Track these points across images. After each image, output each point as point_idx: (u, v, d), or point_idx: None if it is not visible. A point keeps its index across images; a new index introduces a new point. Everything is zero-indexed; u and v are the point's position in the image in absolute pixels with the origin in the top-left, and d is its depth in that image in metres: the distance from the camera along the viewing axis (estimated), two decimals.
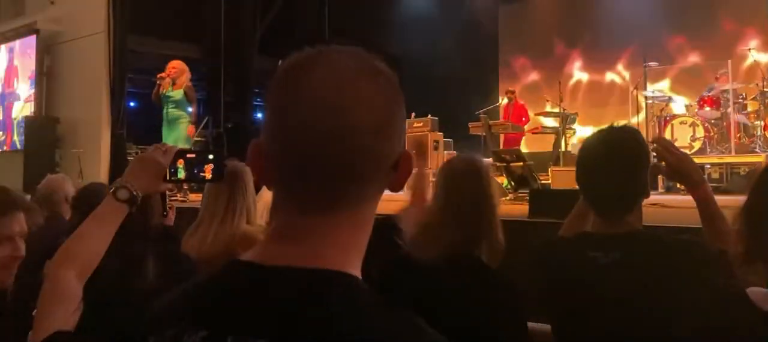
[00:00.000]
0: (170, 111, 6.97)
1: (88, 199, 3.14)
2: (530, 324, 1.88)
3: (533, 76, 12.40)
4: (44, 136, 9.71)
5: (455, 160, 2.08)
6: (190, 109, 6.96)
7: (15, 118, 10.81)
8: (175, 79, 6.95)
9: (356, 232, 0.75)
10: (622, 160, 1.66)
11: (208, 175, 1.45)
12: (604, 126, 1.77)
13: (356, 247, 0.75)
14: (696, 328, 1.44)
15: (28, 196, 5.44)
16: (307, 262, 0.71)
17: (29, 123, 10.14)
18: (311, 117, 0.69)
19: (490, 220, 1.85)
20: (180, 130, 6.90)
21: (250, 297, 0.70)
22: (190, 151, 1.46)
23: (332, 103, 0.69)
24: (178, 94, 6.92)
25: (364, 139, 0.70)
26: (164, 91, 6.95)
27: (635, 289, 1.56)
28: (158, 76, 7.05)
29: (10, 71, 11.11)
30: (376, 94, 0.72)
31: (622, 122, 2.12)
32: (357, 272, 0.74)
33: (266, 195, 2.81)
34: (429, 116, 9.06)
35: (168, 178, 1.42)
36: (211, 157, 1.44)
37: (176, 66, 7.02)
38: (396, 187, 0.76)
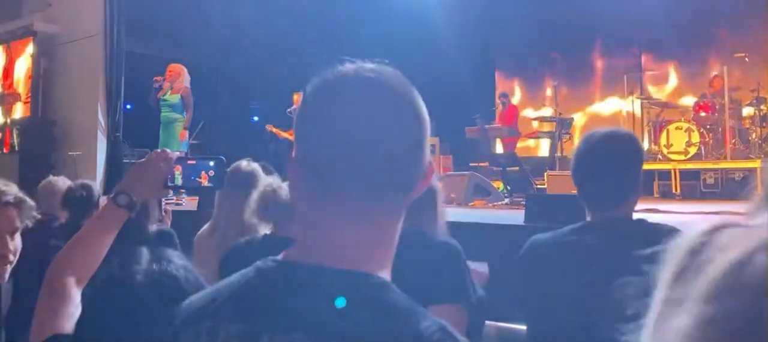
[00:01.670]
0: (166, 114, 6.97)
1: (76, 197, 3.17)
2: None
3: (530, 80, 12.44)
4: (40, 138, 9.68)
5: None
6: (184, 114, 6.95)
7: (13, 120, 10.77)
8: (173, 83, 6.94)
9: (388, 241, 0.78)
10: (613, 160, 1.78)
11: (204, 182, 1.45)
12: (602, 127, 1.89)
13: (387, 254, 0.78)
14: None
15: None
16: (341, 264, 0.73)
17: (25, 125, 10.12)
18: (366, 127, 0.73)
19: (430, 206, 1.96)
20: (175, 134, 6.89)
21: (286, 294, 0.73)
22: (190, 158, 1.47)
23: (384, 114, 0.74)
24: (174, 98, 6.93)
25: (411, 151, 0.75)
26: (162, 95, 6.95)
27: (615, 263, 1.65)
28: (155, 79, 7.05)
29: (9, 72, 11.09)
30: (418, 110, 0.77)
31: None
32: (388, 276, 0.77)
33: None
34: None
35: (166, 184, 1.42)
36: (212, 163, 1.44)
37: (173, 70, 7.02)
38: (417, 191, 0.79)
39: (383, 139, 0.73)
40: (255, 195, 2.30)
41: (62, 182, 3.67)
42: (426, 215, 1.95)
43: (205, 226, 2.76)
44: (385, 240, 0.78)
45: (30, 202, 1.68)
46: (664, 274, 0.49)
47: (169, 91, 6.95)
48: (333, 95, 0.75)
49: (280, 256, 0.77)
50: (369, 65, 0.77)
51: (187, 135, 7.05)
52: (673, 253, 0.49)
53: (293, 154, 0.79)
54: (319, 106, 0.76)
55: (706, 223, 0.50)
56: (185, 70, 7.09)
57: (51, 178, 3.77)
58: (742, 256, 0.43)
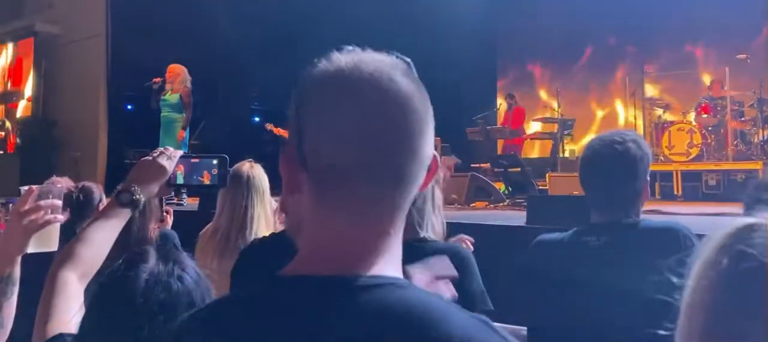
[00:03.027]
0: (166, 115, 6.97)
1: (73, 201, 3.15)
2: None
3: (531, 82, 12.43)
4: (41, 138, 9.69)
5: None
6: (183, 114, 6.95)
7: (15, 120, 10.77)
8: (173, 84, 6.95)
9: (399, 241, 0.72)
10: (620, 163, 1.77)
11: (206, 181, 1.44)
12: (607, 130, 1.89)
13: (399, 255, 0.73)
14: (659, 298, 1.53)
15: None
16: (361, 271, 0.68)
17: (26, 125, 10.12)
18: (374, 121, 0.67)
19: (420, 207, 1.87)
20: (175, 134, 6.90)
21: (312, 310, 0.66)
22: (193, 156, 1.46)
23: (399, 107, 0.68)
24: (174, 98, 6.93)
25: (418, 143, 0.69)
26: (163, 96, 6.96)
27: (620, 267, 1.67)
28: (154, 80, 7.05)
29: (13, 72, 11.08)
30: (420, 97, 0.71)
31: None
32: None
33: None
34: None
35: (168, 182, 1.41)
36: (215, 161, 1.43)
37: (173, 70, 7.03)
38: (422, 187, 0.73)
39: (400, 133, 0.68)
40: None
41: (65, 182, 3.66)
42: (425, 218, 1.87)
43: (208, 226, 2.75)
44: (398, 240, 0.72)
45: None
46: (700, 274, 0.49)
47: (170, 92, 6.96)
48: (347, 87, 0.68)
49: (291, 270, 0.71)
50: (376, 55, 0.72)
51: (186, 135, 7.05)
52: (706, 254, 0.48)
53: (288, 150, 0.72)
54: (332, 99, 0.69)
55: (735, 221, 0.50)
56: (185, 70, 7.08)
57: (54, 178, 3.76)
58: None
